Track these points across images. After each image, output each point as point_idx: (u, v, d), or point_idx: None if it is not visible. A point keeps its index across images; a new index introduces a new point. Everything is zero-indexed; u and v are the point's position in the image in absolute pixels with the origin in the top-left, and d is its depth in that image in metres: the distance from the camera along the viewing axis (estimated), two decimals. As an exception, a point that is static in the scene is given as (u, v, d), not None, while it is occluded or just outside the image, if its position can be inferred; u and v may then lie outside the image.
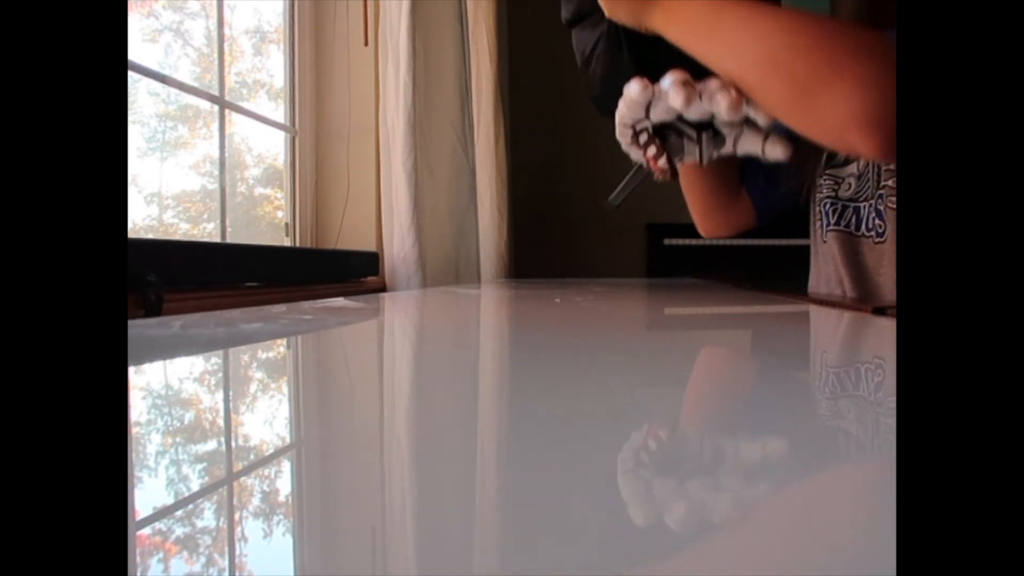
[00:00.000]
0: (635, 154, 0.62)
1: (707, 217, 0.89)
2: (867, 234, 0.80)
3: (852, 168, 0.82)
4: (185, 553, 0.14)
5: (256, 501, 0.18)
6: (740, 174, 0.87)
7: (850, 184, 0.82)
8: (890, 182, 0.76)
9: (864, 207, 0.80)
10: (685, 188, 0.85)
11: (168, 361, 0.43)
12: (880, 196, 0.77)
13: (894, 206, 0.75)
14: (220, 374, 0.40)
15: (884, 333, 0.50)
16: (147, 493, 0.18)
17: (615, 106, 0.60)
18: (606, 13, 0.61)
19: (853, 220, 0.82)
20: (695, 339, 0.57)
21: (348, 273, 1.64)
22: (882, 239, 0.77)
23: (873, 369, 0.38)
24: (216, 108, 1.64)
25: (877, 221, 0.78)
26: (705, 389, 0.35)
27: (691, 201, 0.87)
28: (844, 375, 0.37)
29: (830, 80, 0.49)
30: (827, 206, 0.85)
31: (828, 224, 0.85)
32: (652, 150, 0.59)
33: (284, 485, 0.19)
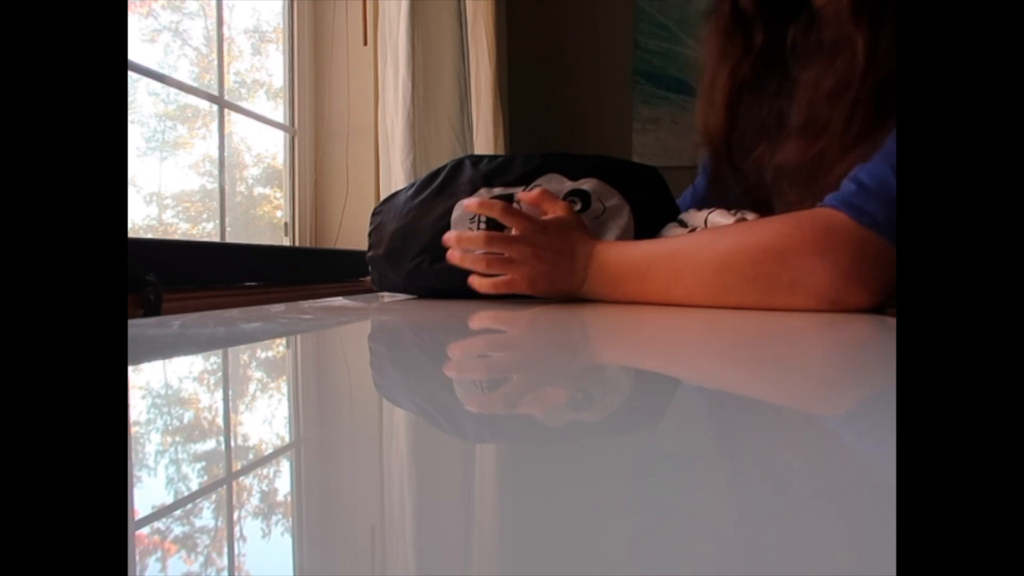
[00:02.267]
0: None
1: None
2: None
3: None
4: (184, 552, 0.14)
5: (255, 501, 0.17)
6: None
7: None
8: None
9: None
10: None
11: (167, 361, 0.43)
12: None
13: None
14: (219, 373, 0.40)
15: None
16: (146, 492, 0.18)
17: None
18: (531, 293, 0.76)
19: None
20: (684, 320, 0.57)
21: (347, 273, 1.64)
22: None
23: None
24: (215, 108, 1.63)
25: None
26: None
27: None
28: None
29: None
30: None
31: None
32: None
33: (283, 485, 0.19)
